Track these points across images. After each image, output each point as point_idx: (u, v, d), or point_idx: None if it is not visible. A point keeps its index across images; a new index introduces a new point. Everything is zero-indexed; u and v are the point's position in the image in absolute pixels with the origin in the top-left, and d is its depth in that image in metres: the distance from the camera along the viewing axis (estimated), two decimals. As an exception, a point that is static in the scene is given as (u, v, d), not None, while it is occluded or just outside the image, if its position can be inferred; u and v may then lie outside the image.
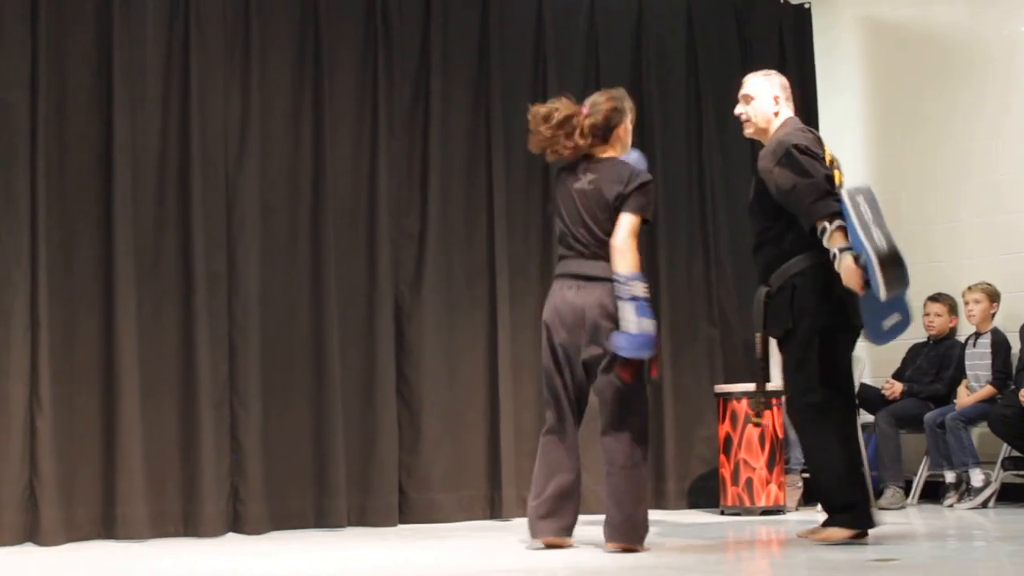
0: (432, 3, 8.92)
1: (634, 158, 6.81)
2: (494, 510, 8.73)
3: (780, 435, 8.83)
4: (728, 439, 8.81)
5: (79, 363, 7.81)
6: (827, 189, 6.66)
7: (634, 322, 6.47)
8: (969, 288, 9.47)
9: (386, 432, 8.50)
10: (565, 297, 6.70)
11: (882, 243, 6.39)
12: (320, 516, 8.28)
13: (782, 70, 9.90)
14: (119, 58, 7.96)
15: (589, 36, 9.47)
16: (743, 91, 7.04)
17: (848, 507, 6.69)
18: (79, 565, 6.84)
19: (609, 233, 6.63)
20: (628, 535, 6.62)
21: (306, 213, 8.44)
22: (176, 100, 8.14)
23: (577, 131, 6.74)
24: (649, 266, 9.27)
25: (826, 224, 6.56)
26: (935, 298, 9.67)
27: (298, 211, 8.43)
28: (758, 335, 6.96)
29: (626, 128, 6.86)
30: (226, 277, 8.13)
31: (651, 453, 9.23)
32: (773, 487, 8.75)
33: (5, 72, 7.73)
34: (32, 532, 7.56)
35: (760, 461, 8.71)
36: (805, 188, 6.63)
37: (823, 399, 6.69)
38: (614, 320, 6.54)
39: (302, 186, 8.46)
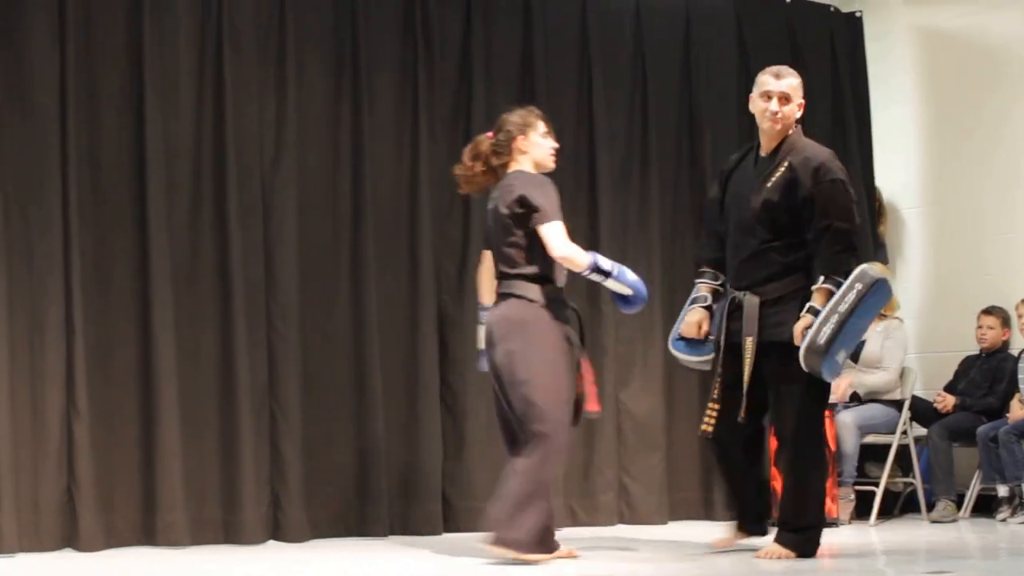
0: (473, 6, 8.84)
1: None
2: (540, 519, 8.63)
3: (832, 448, 8.70)
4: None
5: (116, 369, 7.77)
6: (853, 244, 6.75)
7: (617, 292, 6.83)
8: (1022, 301, 9.35)
9: (429, 440, 8.43)
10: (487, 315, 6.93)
11: (822, 337, 6.50)
12: (362, 524, 8.20)
13: (834, 78, 9.94)
14: (150, 61, 7.89)
15: (635, 42, 9.35)
16: (782, 89, 6.93)
17: (808, 528, 6.77)
18: (118, 571, 6.82)
19: (514, 247, 6.76)
20: (498, 538, 6.62)
21: (346, 219, 8.37)
22: (209, 104, 8.07)
23: (484, 156, 6.97)
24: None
25: (825, 279, 6.65)
26: (988, 311, 9.57)
27: (338, 217, 8.37)
28: (750, 340, 6.80)
29: (529, 141, 6.92)
30: (264, 283, 8.09)
31: (700, 465, 9.19)
32: (826, 500, 8.61)
33: (34, 74, 7.66)
34: (71, 538, 7.52)
35: (811, 473, 8.58)
36: (837, 234, 6.67)
37: (822, 417, 6.83)
38: (510, 332, 6.68)
39: (341, 192, 8.39)
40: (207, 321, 7.97)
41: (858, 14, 10.21)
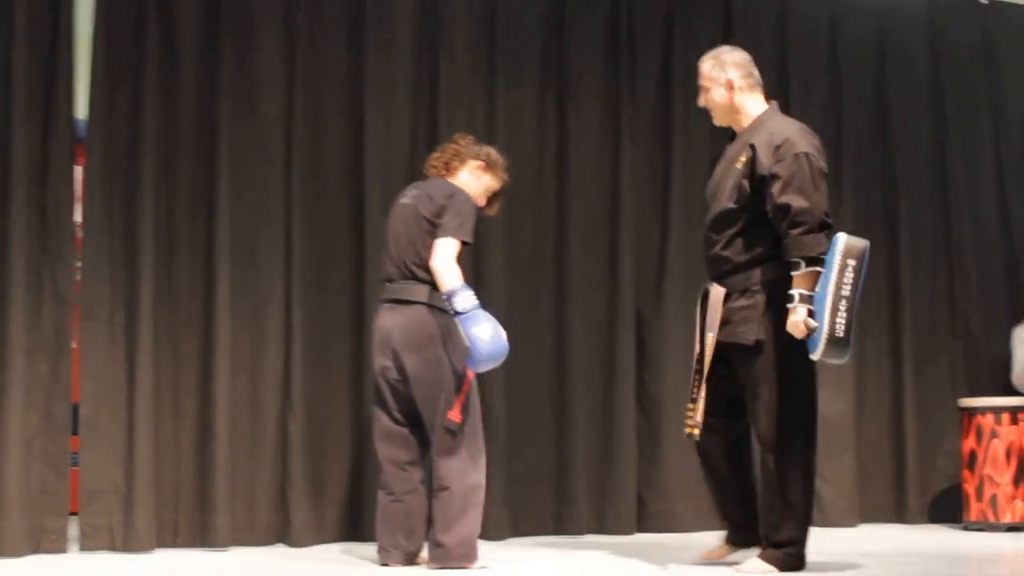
0: (676, 14, 8.97)
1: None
2: (732, 521, 8.67)
3: (1025, 450, 8.68)
4: (973, 454, 8.67)
5: (331, 369, 7.97)
6: (821, 221, 6.17)
7: (465, 337, 6.35)
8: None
9: (625, 440, 8.53)
10: (378, 321, 6.68)
11: (840, 329, 5.98)
12: (559, 523, 8.34)
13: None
14: (371, 71, 8.14)
15: (831, 47, 9.42)
16: (700, 83, 6.63)
17: (789, 544, 6.30)
18: (326, 566, 6.98)
19: (428, 249, 6.52)
20: (460, 557, 6.54)
21: (550, 222, 8.53)
22: (425, 112, 8.28)
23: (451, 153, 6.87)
24: (892, 281, 9.25)
25: (806, 263, 6.12)
26: None
27: (542, 220, 8.51)
28: (711, 336, 6.44)
29: (483, 176, 6.88)
30: (472, 285, 8.20)
31: (892, 468, 9.20)
32: (1019, 503, 8.58)
33: (263, 87, 7.94)
34: (283, 533, 7.76)
35: (1006, 476, 8.55)
36: (799, 213, 6.16)
37: (806, 418, 6.37)
38: (415, 345, 6.49)
39: (546, 195, 8.56)
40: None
41: (1051, 12, 10.12)
